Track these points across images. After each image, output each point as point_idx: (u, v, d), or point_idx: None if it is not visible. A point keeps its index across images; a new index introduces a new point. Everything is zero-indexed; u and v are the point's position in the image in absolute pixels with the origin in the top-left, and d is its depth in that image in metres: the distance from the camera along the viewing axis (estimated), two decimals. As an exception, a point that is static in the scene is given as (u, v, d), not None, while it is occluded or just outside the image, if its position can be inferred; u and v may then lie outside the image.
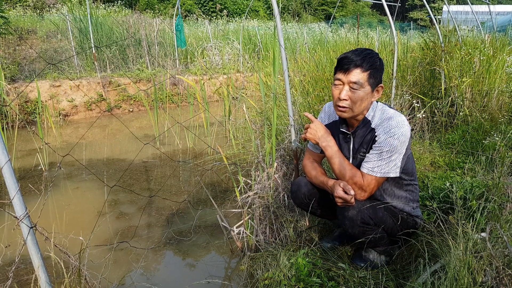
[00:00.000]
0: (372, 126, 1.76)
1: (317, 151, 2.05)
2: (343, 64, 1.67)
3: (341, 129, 1.87)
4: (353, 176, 1.72)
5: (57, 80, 6.91)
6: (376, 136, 1.72)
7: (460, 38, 4.89)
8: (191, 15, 19.63)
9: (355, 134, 1.82)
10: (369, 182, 1.71)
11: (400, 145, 1.66)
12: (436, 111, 4.18)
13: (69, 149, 4.72)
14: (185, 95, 8.19)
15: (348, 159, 1.87)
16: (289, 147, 2.61)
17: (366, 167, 1.72)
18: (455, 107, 4.18)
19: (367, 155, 1.75)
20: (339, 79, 1.70)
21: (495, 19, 8.35)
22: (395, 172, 1.70)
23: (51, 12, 13.74)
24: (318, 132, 1.83)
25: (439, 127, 4.11)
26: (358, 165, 1.82)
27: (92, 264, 2.17)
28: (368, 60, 1.65)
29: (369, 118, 1.77)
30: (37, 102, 6.15)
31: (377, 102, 1.81)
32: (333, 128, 1.95)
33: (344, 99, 1.69)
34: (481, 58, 4.28)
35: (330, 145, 1.79)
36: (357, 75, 1.65)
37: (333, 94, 1.74)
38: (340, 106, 1.72)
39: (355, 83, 1.65)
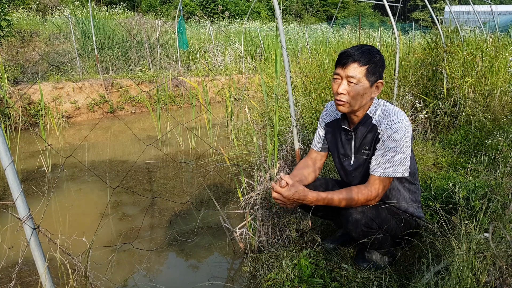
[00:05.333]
0: (374, 122, 1.75)
1: (317, 149, 2.05)
2: (342, 59, 1.68)
3: (342, 126, 1.86)
4: (359, 193, 1.71)
5: (59, 82, 6.93)
6: (378, 134, 1.72)
7: (462, 38, 4.89)
8: (193, 16, 19.65)
9: (356, 131, 1.82)
10: (377, 185, 1.71)
11: (403, 140, 1.66)
12: (438, 111, 4.18)
13: (72, 151, 4.74)
14: (187, 97, 8.21)
15: (351, 157, 1.87)
16: (291, 148, 2.61)
17: (378, 170, 1.71)
18: (457, 107, 4.17)
19: (373, 157, 1.74)
20: (337, 74, 1.71)
21: (497, 19, 8.32)
22: (401, 172, 1.70)
23: (53, 14, 13.80)
24: (295, 195, 1.72)
25: (441, 128, 4.10)
26: (361, 163, 1.82)
27: (96, 265, 2.18)
28: (367, 55, 1.65)
29: (371, 114, 1.77)
30: (40, 104, 6.18)
31: (378, 99, 1.81)
32: (334, 125, 1.95)
33: (342, 93, 1.69)
34: (484, 58, 4.27)
35: (318, 193, 1.74)
36: (355, 69, 1.65)
37: (333, 89, 1.75)
38: (338, 101, 1.72)
39: (352, 77, 1.65)
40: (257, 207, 2.21)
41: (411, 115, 4.06)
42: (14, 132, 5.60)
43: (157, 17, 14.07)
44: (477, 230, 1.46)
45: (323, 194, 1.73)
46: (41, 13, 14.26)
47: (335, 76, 1.72)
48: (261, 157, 2.34)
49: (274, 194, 1.76)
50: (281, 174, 1.77)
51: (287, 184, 1.74)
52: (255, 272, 2.01)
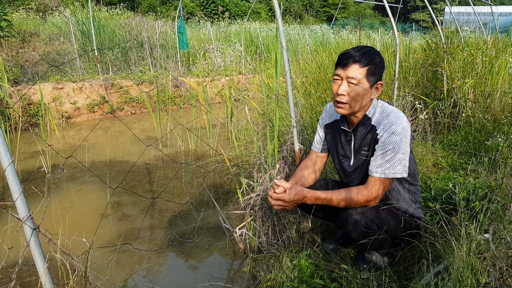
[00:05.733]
0: (373, 123, 1.75)
1: (317, 150, 2.05)
2: (342, 60, 1.68)
3: (341, 127, 1.86)
4: (358, 194, 1.71)
5: (59, 82, 6.93)
6: (377, 134, 1.72)
7: (462, 39, 4.89)
8: (193, 17, 19.67)
9: (355, 132, 1.81)
10: (377, 186, 1.71)
11: (402, 141, 1.66)
12: (438, 112, 4.18)
13: (72, 151, 4.74)
14: (187, 97, 8.21)
15: (350, 158, 1.87)
16: (291, 149, 2.61)
17: (377, 171, 1.70)
18: (457, 108, 4.17)
19: (372, 158, 1.74)
20: (338, 75, 1.70)
21: (497, 20, 8.33)
22: (400, 173, 1.69)
23: (53, 15, 13.80)
24: (295, 197, 1.72)
25: (441, 128, 4.10)
26: (360, 164, 1.82)
27: (96, 265, 2.18)
28: (367, 56, 1.65)
29: (370, 115, 1.77)
30: (40, 104, 6.18)
31: (377, 99, 1.81)
32: (333, 127, 1.95)
33: (342, 94, 1.69)
34: (484, 59, 4.27)
35: (317, 194, 1.74)
36: (355, 70, 1.65)
37: (332, 90, 1.74)
38: (338, 102, 1.72)
39: (353, 78, 1.65)
40: (257, 207, 2.21)
41: (411, 116, 4.06)
42: (14, 133, 5.60)
43: (157, 18, 14.07)
44: (477, 231, 1.46)
45: (321, 195, 1.73)
46: (41, 14, 14.26)
47: (335, 77, 1.72)
48: (261, 158, 2.33)
49: (274, 202, 1.75)
50: (276, 181, 1.76)
51: (285, 189, 1.73)
52: (255, 273, 2.01)
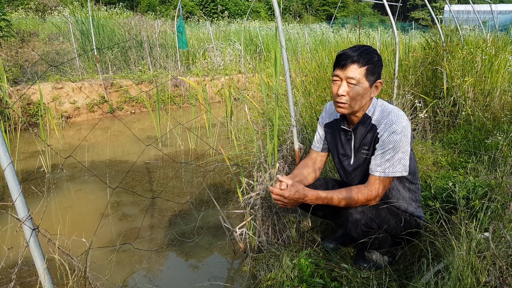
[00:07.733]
0: (373, 122, 1.75)
1: (317, 149, 2.05)
2: (341, 60, 1.68)
3: (342, 126, 1.86)
4: (358, 193, 1.71)
5: (59, 82, 6.93)
6: (378, 133, 1.72)
7: (461, 37, 4.88)
8: (193, 16, 19.66)
9: (356, 131, 1.82)
10: (377, 185, 1.71)
11: (402, 140, 1.66)
12: (438, 110, 4.17)
13: (71, 151, 4.73)
14: (187, 97, 8.20)
15: (350, 157, 1.87)
16: (291, 148, 2.61)
17: (377, 170, 1.70)
18: (457, 107, 4.17)
19: (372, 157, 1.74)
20: (337, 75, 1.71)
21: (497, 18, 8.32)
22: (400, 172, 1.69)
23: (53, 14, 13.79)
24: (295, 195, 1.71)
25: (441, 127, 4.10)
26: (361, 163, 1.82)
27: (95, 265, 2.18)
28: (365, 55, 1.65)
29: (370, 114, 1.77)
30: (39, 104, 6.17)
31: (377, 98, 1.81)
32: (333, 126, 1.96)
33: (342, 95, 1.69)
34: (483, 57, 4.27)
35: (318, 193, 1.73)
36: (354, 70, 1.65)
37: (332, 90, 1.75)
38: (339, 102, 1.72)
39: (352, 78, 1.65)
40: (257, 207, 2.21)
41: (411, 114, 4.06)
42: (14, 133, 5.60)
43: (157, 17, 14.05)
44: (477, 229, 1.46)
45: (322, 194, 1.73)
46: (40, 13, 14.26)
47: (334, 78, 1.72)
48: (261, 157, 2.33)
49: (275, 196, 1.75)
50: (279, 176, 1.76)
51: (287, 185, 1.73)
52: (255, 272, 2.01)
